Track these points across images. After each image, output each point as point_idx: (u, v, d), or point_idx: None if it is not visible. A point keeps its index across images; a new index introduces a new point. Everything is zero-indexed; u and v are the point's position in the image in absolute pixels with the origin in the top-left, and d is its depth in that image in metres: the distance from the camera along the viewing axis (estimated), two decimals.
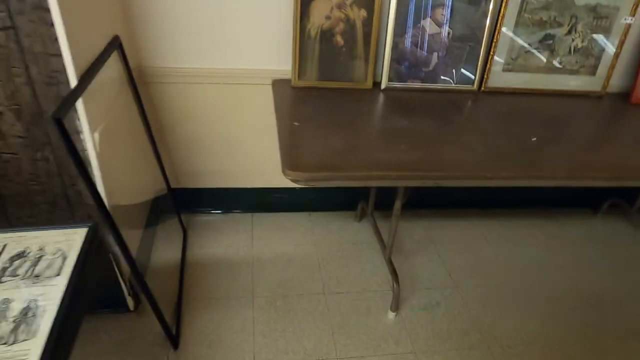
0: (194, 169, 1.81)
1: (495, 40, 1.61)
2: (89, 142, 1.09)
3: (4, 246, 0.71)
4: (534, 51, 1.66)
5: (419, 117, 1.45)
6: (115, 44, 1.25)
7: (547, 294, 1.70)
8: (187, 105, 1.64)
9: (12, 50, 0.94)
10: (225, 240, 1.81)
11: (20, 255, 0.72)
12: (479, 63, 1.64)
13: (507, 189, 2.10)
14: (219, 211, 1.96)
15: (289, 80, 1.60)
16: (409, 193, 1.48)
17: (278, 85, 1.60)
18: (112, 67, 1.25)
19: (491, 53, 1.64)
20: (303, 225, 1.94)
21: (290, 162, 1.09)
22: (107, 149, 1.17)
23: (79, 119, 1.05)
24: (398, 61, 1.60)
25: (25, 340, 0.59)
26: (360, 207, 1.95)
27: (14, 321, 0.61)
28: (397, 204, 1.45)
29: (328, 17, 1.50)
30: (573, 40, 1.65)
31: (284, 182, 1.88)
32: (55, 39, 0.95)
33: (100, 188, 1.16)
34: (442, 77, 1.65)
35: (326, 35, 1.52)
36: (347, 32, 1.53)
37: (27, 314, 0.63)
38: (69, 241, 0.75)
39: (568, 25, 1.62)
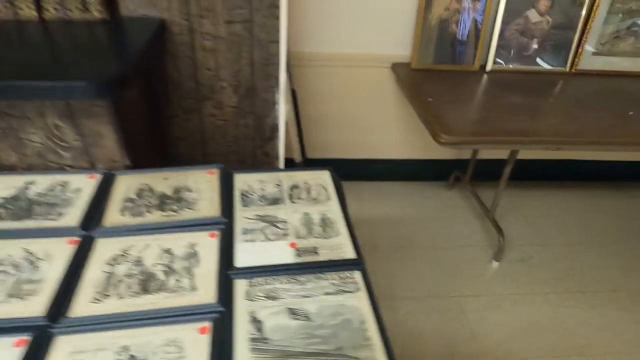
0: (316, 141, 2.09)
1: (588, 27, 1.83)
2: (281, 112, 1.38)
3: (281, 181, 1.01)
4: (622, 37, 1.87)
5: (525, 94, 1.70)
6: None
7: (627, 252, 1.94)
8: (318, 85, 1.92)
9: (245, 38, 1.23)
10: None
11: (295, 186, 1.01)
12: (572, 48, 1.86)
13: (579, 162, 2.32)
14: None
15: (407, 64, 1.86)
16: (513, 161, 1.73)
17: (397, 67, 1.86)
18: None
19: (583, 39, 1.86)
20: (402, 192, 2.22)
21: (442, 129, 1.36)
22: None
23: (278, 93, 1.34)
24: (502, 46, 1.84)
25: (335, 236, 0.88)
26: (453, 177, 2.21)
27: (320, 225, 0.90)
28: (507, 170, 1.70)
29: (447, 9, 1.75)
30: None
31: (387, 154, 2.16)
32: (277, 29, 1.22)
33: (281, 150, 1.45)
34: (538, 60, 1.88)
35: (443, 24, 1.77)
36: (461, 22, 1.78)
37: (325, 222, 0.91)
38: (320, 178, 1.04)
39: None
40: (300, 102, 1.95)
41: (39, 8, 1.07)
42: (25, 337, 0.65)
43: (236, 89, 1.32)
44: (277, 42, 1.24)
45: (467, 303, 1.65)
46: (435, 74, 1.82)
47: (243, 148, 1.45)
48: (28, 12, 1.07)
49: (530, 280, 1.76)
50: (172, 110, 1.33)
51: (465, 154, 2.15)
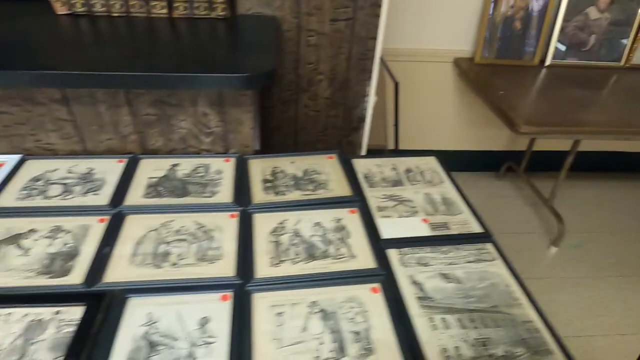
0: (376, 132, 2.18)
1: None
2: (370, 103, 1.47)
3: (395, 166, 1.11)
4: None
5: (585, 88, 1.78)
6: None
7: None
8: (379, 78, 2.01)
9: (346, 35, 1.32)
10: None
11: (409, 170, 1.11)
12: (628, 43, 1.94)
13: (630, 154, 2.40)
14: None
15: (469, 59, 1.95)
16: (575, 152, 1.82)
17: (460, 62, 1.95)
18: None
19: (638, 35, 1.94)
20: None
21: (522, 120, 1.45)
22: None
23: (369, 85, 1.43)
24: (561, 42, 1.92)
25: (459, 213, 0.98)
26: (505, 167, 2.30)
27: (443, 204, 1.00)
28: (569, 160, 1.79)
29: (512, 6, 1.83)
30: None
31: (440, 146, 2.25)
32: (376, 26, 1.32)
33: (365, 139, 1.55)
34: (595, 55, 1.96)
35: (507, 21, 1.86)
36: (524, 19, 1.86)
37: (446, 201, 1.01)
38: (428, 163, 1.14)
39: None
40: None
41: (170, 6, 1.18)
42: (228, 293, 0.76)
43: (331, 82, 1.41)
44: (374, 38, 1.34)
45: (531, 285, 1.74)
46: (498, 68, 1.91)
47: (331, 137, 1.55)
48: (160, 10, 1.18)
49: (588, 264, 1.85)
50: (270, 102, 1.43)
51: (520, 145, 2.24)
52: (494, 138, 2.29)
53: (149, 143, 1.07)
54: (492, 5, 1.81)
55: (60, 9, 1.15)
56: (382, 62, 1.64)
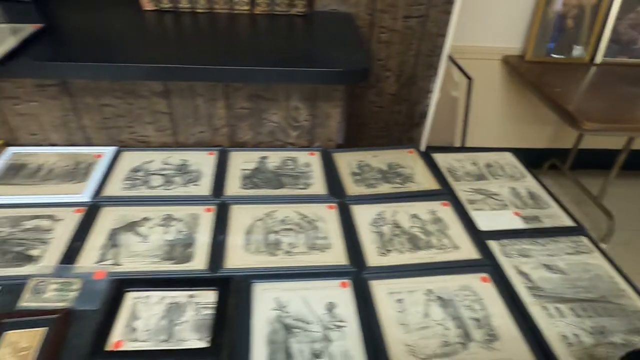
0: None
1: None
2: (433, 100, 1.49)
3: (475, 161, 1.13)
4: None
5: (637, 85, 1.79)
6: None
7: None
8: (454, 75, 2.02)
9: (417, 32, 1.34)
10: None
11: (489, 165, 1.13)
12: None
13: None
14: None
15: (519, 56, 1.96)
16: (628, 150, 1.83)
17: (509, 60, 1.96)
18: None
19: None
20: None
21: (585, 117, 1.46)
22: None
23: (434, 82, 1.45)
24: (613, 40, 1.93)
25: (548, 207, 1.00)
26: (548, 164, 2.31)
27: (530, 198, 1.02)
28: (621, 157, 1.80)
29: (565, 4, 1.84)
30: None
31: (483, 143, 2.26)
32: (446, 24, 1.34)
33: (425, 135, 1.57)
34: None
35: (560, 18, 1.87)
36: (577, 17, 1.87)
37: (532, 195, 1.03)
38: (505, 158, 1.17)
39: None
40: None
41: (252, 3, 1.20)
42: (346, 280, 0.78)
43: (398, 78, 1.43)
44: (444, 35, 1.36)
45: None
46: (549, 65, 1.92)
47: (391, 133, 1.57)
48: (243, 6, 1.20)
49: (637, 262, 1.86)
50: None
51: (562, 142, 2.25)
52: (535, 135, 2.29)
53: (238, 136, 1.10)
54: (545, 3, 1.81)
55: (147, 5, 1.18)
56: (451, 59, 1.66)
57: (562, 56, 1.94)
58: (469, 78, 1.52)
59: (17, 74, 0.89)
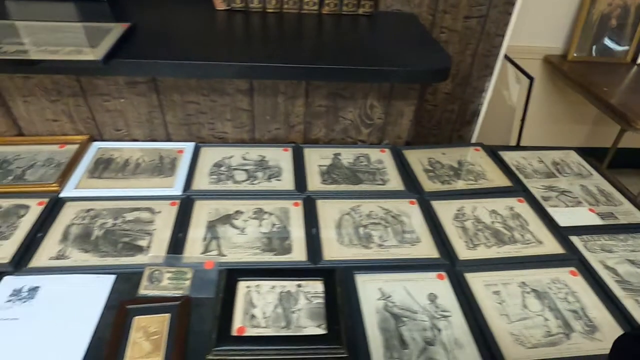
0: None
1: None
2: (486, 99, 1.52)
3: (540, 158, 1.15)
4: None
5: None
6: None
7: None
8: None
9: (476, 32, 1.37)
10: None
11: (556, 163, 1.15)
12: None
13: None
14: None
15: (561, 56, 1.98)
16: None
17: (550, 59, 1.98)
18: None
19: None
20: None
21: (638, 116, 1.48)
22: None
23: (489, 81, 1.48)
24: None
25: (620, 204, 1.02)
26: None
27: (601, 195, 1.05)
28: None
29: (610, 4, 1.85)
30: None
31: (522, 141, 2.27)
32: (506, 24, 1.36)
33: (476, 133, 1.60)
34: None
35: (604, 18, 1.88)
36: (620, 16, 1.88)
37: (603, 193, 1.06)
38: (569, 156, 1.19)
39: None
40: None
41: (321, 3, 1.23)
42: (442, 273, 0.81)
43: (454, 77, 1.46)
44: (502, 35, 1.38)
45: None
46: (591, 65, 1.93)
47: (442, 131, 1.60)
48: (311, 6, 1.23)
49: None
50: None
51: (599, 142, 2.26)
52: (571, 134, 2.31)
53: (311, 133, 1.13)
54: (590, 2, 1.83)
55: (220, 5, 1.21)
56: (508, 58, 1.68)
57: (604, 56, 1.95)
58: (529, 77, 1.54)
59: (116, 72, 0.93)
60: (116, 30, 0.99)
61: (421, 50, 1.05)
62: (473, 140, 1.61)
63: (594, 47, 1.94)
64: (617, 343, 0.48)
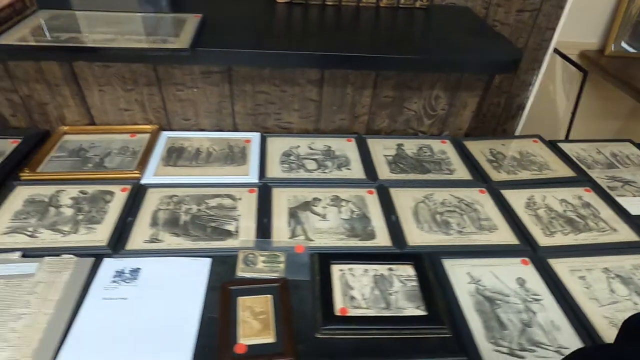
0: None
1: None
2: (533, 93, 1.53)
3: (599, 149, 1.16)
4: None
5: None
6: None
7: None
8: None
9: (527, 25, 1.38)
10: None
11: (615, 154, 1.17)
12: None
13: None
14: None
15: (597, 51, 1.99)
16: None
17: (587, 54, 1.99)
18: None
19: None
20: None
21: None
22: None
23: (537, 75, 1.49)
24: None
25: None
26: None
27: None
28: None
29: None
30: None
31: (557, 137, 2.27)
32: (558, 17, 1.37)
33: (520, 128, 1.61)
34: None
35: None
36: None
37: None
38: (627, 147, 1.21)
39: None
40: None
41: None
42: (525, 258, 0.83)
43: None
44: (553, 29, 1.39)
45: None
46: (628, 60, 1.94)
47: (487, 124, 1.61)
48: (369, 0, 1.25)
49: None
50: None
51: (636, 137, 2.27)
52: (605, 129, 2.32)
53: (374, 124, 1.15)
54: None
55: None
56: (558, 52, 1.69)
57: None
58: (583, 71, 1.55)
59: (201, 60, 0.94)
60: (191, 20, 1.01)
61: (489, 42, 1.06)
62: (517, 134, 1.62)
63: (632, 42, 1.94)
64: (628, 323, 0.46)
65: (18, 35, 0.89)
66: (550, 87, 1.75)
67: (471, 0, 1.32)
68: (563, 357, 0.43)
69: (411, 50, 0.97)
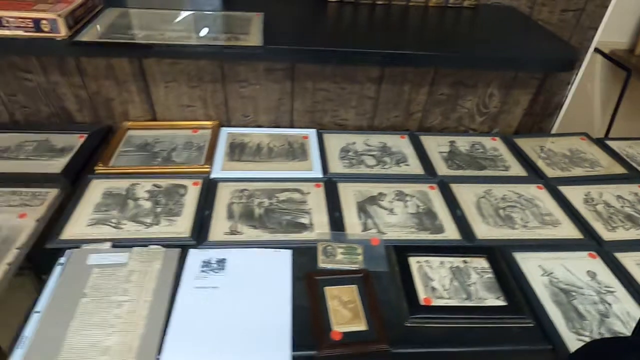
0: None
1: None
2: (571, 92, 1.55)
3: None
4: None
5: None
6: None
7: None
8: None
9: (571, 24, 1.40)
10: None
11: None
12: None
13: None
14: None
15: (627, 50, 2.01)
16: None
17: (617, 54, 2.01)
18: None
19: None
20: None
21: None
22: None
23: (577, 74, 1.51)
24: None
25: None
26: None
27: None
28: None
29: None
30: None
31: None
32: (601, 17, 1.39)
33: (556, 126, 1.63)
34: None
35: None
36: None
37: None
38: None
39: None
40: None
41: None
42: (592, 252, 0.85)
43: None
44: (595, 28, 1.41)
45: None
46: None
47: (524, 123, 1.63)
48: None
49: None
50: None
51: None
52: (630, 128, 2.33)
53: (427, 121, 1.17)
54: None
55: None
56: (600, 52, 1.71)
57: None
58: (627, 70, 1.57)
59: (273, 57, 0.96)
60: (255, 19, 1.03)
61: (543, 40, 1.08)
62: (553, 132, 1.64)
63: None
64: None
65: (94, 33, 0.91)
66: (587, 86, 1.76)
67: (516, 0, 1.34)
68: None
69: (472, 49, 0.99)
